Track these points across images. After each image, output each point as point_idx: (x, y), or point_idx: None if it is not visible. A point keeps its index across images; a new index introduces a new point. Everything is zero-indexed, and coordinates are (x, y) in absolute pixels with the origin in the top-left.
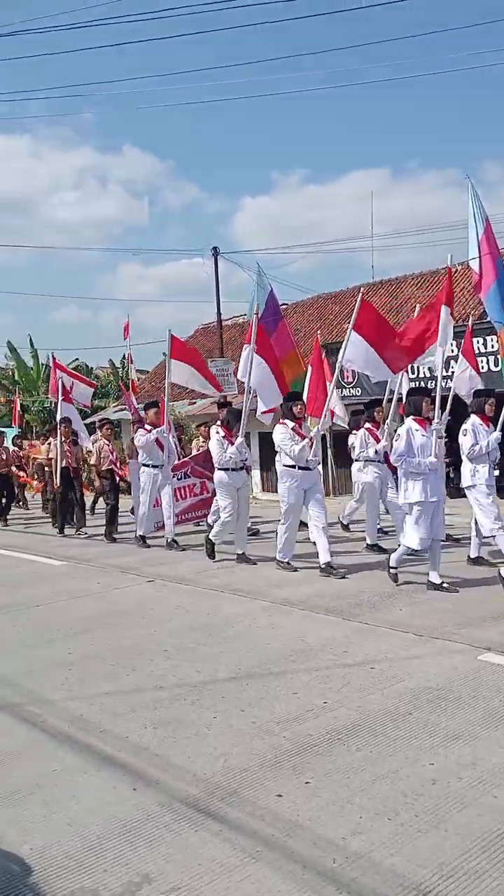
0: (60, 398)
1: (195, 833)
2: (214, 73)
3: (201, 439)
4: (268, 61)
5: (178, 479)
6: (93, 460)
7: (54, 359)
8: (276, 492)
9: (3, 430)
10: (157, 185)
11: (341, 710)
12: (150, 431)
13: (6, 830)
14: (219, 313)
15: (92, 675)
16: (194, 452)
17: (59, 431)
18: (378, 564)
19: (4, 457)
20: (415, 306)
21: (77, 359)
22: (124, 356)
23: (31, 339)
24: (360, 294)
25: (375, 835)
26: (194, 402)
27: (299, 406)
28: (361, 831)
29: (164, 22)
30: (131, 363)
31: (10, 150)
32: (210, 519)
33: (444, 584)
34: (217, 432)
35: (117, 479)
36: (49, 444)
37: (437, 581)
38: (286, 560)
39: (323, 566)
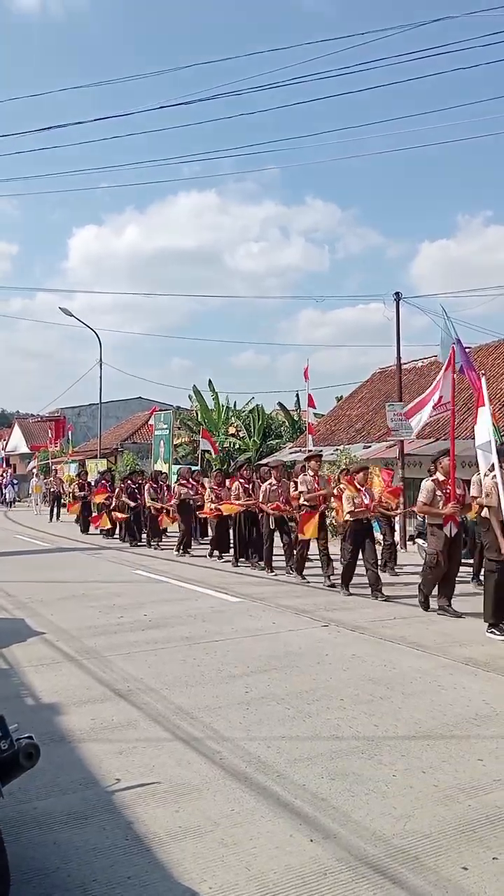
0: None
1: None
2: (402, 123)
3: None
4: (451, 109)
5: None
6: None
7: (453, 352)
8: None
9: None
10: (338, 232)
11: None
12: None
13: (188, 864)
14: (398, 357)
15: (269, 717)
16: None
17: (436, 466)
18: None
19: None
20: None
21: (253, 398)
22: (297, 398)
23: (210, 383)
24: None
25: None
26: (369, 446)
27: None
28: None
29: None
30: (311, 405)
31: (199, 206)
32: None
33: None
34: None
35: None
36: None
37: None
38: None
39: None
